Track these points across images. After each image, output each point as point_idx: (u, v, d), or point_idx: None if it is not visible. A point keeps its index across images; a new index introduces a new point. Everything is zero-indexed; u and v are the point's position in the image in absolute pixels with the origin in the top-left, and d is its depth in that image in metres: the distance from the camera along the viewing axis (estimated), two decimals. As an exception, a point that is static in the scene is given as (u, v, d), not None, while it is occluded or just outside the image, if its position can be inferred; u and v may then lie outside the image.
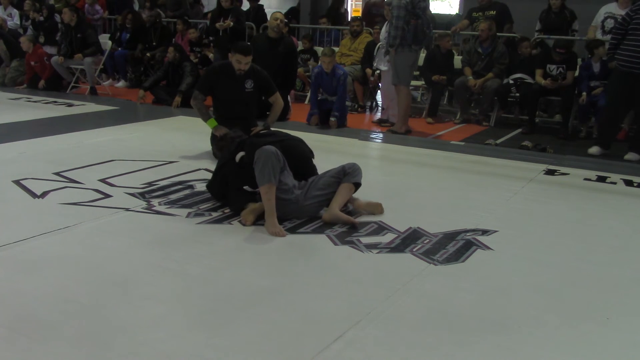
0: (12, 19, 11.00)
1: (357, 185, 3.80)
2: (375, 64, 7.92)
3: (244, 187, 3.85)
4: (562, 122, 7.17)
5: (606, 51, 6.43)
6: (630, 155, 5.88)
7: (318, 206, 3.74)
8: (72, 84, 9.14)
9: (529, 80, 7.26)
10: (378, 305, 2.63)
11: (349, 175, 3.75)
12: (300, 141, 4.07)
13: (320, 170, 3.99)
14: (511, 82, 7.46)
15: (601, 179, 4.99)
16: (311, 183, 3.78)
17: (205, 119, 5.00)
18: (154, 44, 9.81)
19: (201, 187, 4.23)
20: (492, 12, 8.32)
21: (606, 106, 6.23)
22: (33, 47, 9.04)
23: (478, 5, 8.55)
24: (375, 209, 3.86)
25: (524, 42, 7.61)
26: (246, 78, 5.06)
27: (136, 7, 11.90)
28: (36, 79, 9.09)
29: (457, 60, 8.00)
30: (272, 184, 3.44)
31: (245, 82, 5.07)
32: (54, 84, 9.04)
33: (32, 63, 9.08)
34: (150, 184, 4.30)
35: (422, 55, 7.65)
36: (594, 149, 6.04)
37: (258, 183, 3.49)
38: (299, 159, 3.86)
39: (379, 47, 7.72)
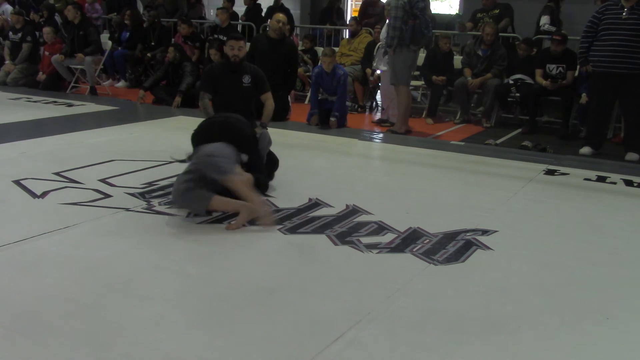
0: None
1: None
2: (374, 64, 7.92)
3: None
4: (562, 122, 7.17)
5: (577, 55, 6.37)
6: (630, 156, 5.88)
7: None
8: (72, 84, 9.14)
9: (529, 80, 7.26)
10: (378, 305, 2.63)
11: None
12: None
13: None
14: (511, 82, 7.46)
15: (601, 179, 4.99)
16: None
17: None
18: (153, 44, 9.80)
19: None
20: (496, 12, 8.32)
21: (592, 108, 6.22)
22: (55, 39, 9.17)
23: (482, 7, 8.55)
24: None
25: (522, 43, 7.59)
26: (243, 73, 5.11)
27: (140, 8, 11.84)
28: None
29: (457, 61, 7.99)
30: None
31: (243, 77, 5.12)
32: (54, 84, 9.04)
33: (47, 53, 9.18)
34: (150, 184, 4.30)
35: (422, 55, 7.65)
36: (585, 150, 6.04)
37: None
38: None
39: (378, 47, 7.72)
